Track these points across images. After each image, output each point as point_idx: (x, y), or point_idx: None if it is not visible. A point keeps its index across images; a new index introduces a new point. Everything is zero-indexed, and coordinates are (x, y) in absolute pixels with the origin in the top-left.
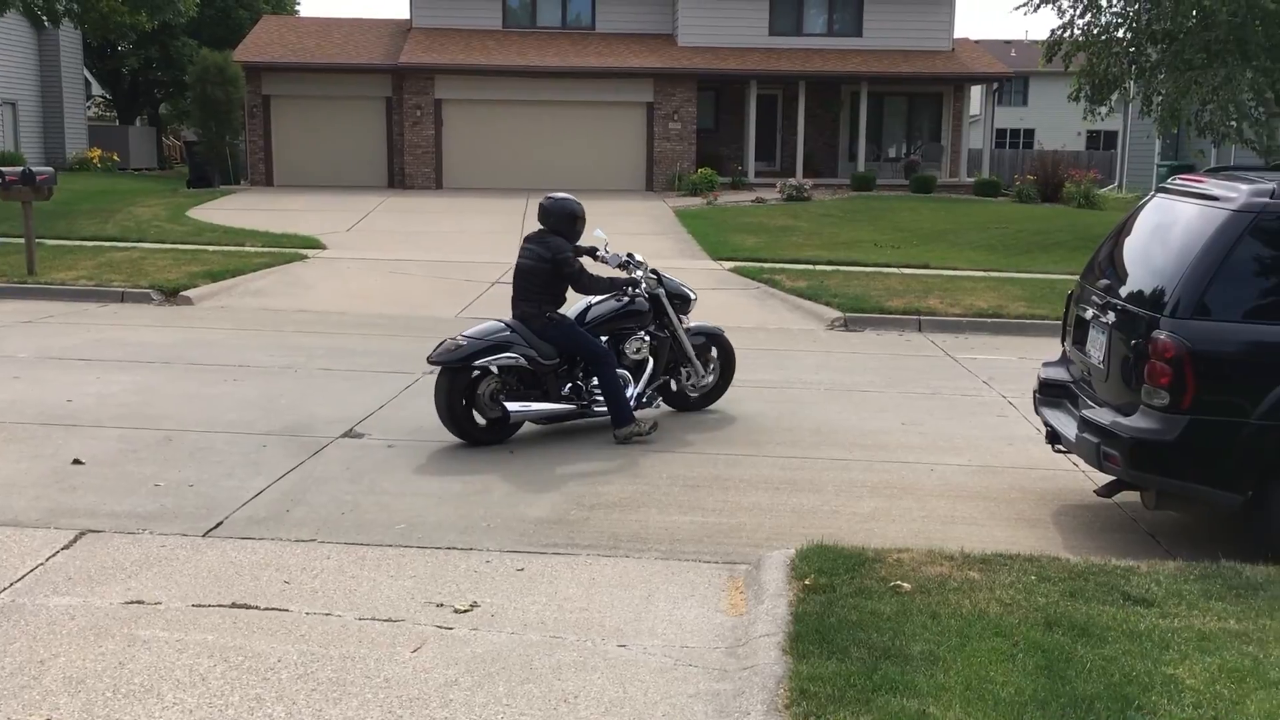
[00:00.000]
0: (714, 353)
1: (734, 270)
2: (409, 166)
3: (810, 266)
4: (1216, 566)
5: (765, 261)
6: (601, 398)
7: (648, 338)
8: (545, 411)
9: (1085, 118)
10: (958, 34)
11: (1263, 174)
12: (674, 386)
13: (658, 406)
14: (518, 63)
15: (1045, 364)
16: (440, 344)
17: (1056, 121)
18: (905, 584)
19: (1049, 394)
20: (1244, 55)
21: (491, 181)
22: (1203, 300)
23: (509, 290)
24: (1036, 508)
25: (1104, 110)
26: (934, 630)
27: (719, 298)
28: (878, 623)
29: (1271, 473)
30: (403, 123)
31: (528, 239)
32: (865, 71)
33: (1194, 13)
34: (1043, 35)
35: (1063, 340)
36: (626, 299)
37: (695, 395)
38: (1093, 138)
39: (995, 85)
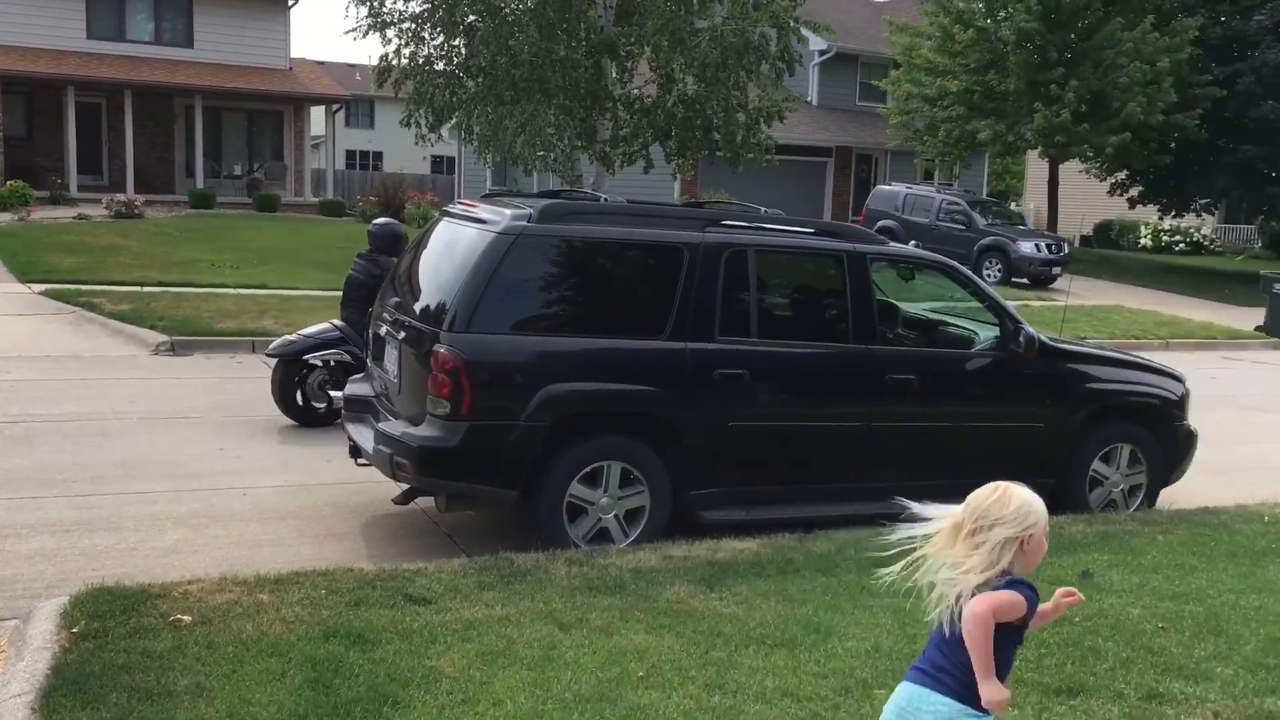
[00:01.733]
0: None
1: (46, 293)
2: None
3: (138, 288)
4: (494, 559)
5: (85, 283)
6: None
7: None
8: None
9: (417, 143)
10: (303, 54)
11: (527, 200)
12: None
13: None
14: None
15: (352, 380)
16: (276, 340)
17: (404, 145)
18: (186, 617)
19: (354, 409)
20: (546, 94)
21: None
22: (475, 315)
23: None
24: (347, 521)
25: (434, 137)
26: (207, 661)
27: (25, 324)
28: (147, 663)
29: (537, 468)
30: None
31: (359, 255)
32: (198, 85)
33: (505, 51)
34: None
35: (367, 356)
36: None
37: None
38: (437, 162)
39: (336, 107)
